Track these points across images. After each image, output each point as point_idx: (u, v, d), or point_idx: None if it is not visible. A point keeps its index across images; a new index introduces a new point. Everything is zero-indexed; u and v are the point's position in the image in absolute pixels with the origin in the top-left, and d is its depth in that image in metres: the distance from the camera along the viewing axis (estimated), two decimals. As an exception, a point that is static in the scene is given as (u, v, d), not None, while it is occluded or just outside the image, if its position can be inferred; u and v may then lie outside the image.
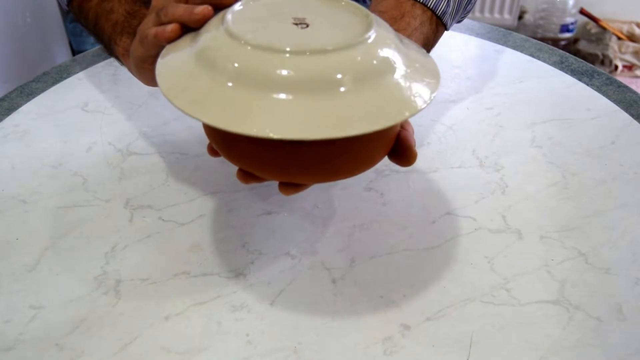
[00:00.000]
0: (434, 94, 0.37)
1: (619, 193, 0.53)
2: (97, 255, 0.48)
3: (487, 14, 2.06)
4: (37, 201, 0.53)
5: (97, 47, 0.79)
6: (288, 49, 0.34)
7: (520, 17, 2.11)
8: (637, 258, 0.47)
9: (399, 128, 0.41)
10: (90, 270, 0.47)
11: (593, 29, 2.09)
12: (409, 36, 0.50)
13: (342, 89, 0.34)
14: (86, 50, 0.91)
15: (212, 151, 0.44)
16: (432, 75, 0.39)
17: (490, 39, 0.79)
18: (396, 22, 0.51)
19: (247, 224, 0.50)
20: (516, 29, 2.08)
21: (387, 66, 0.36)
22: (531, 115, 0.64)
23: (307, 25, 0.39)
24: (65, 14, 1.85)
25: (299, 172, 0.39)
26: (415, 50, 0.42)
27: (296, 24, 0.38)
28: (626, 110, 0.64)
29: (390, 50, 0.37)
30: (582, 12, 2.07)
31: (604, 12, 2.07)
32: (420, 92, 0.36)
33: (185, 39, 0.40)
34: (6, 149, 0.60)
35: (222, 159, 0.58)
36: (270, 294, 0.44)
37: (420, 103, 0.36)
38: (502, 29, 0.81)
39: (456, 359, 0.40)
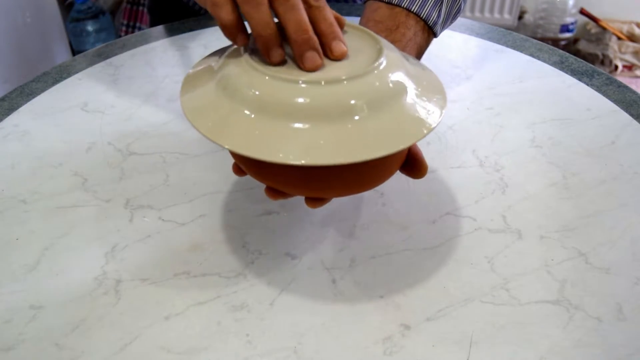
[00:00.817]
0: (444, 110, 0.39)
1: (619, 193, 0.53)
2: (97, 255, 0.48)
3: (487, 14, 2.06)
4: (37, 201, 0.53)
5: (97, 47, 0.79)
6: (305, 79, 0.36)
7: (520, 17, 2.11)
8: (637, 258, 0.47)
9: None
10: (90, 270, 0.47)
11: (593, 29, 2.09)
12: (404, 46, 0.52)
13: (362, 114, 0.36)
14: (86, 50, 0.91)
15: (238, 171, 0.45)
16: (439, 92, 0.41)
17: (490, 39, 0.79)
18: (392, 33, 0.52)
19: (247, 224, 0.50)
20: (516, 29, 2.08)
21: (400, 89, 0.39)
22: (531, 115, 0.64)
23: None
24: (65, 14, 1.85)
25: (325, 189, 0.41)
26: (418, 66, 0.44)
27: None
28: (626, 110, 0.64)
29: (401, 73, 0.39)
30: (582, 12, 2.07)
31: (604, 12, 2.07)
32: (432, 109, 0.39)
33: (208, 67, 0.42)
34: (6, 149, 0.60)
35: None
36: (270, 294, 0.44)
37: (434, 119, 0.38)
38: (502, 29, 0.81)
39: (456, 359, 0.40)
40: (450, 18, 0.58)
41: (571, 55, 0.74)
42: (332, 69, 0.39)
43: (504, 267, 0.46)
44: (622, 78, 2.00)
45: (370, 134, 0.36)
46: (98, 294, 0.45)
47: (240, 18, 0.40)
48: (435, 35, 0.56)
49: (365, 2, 0.58)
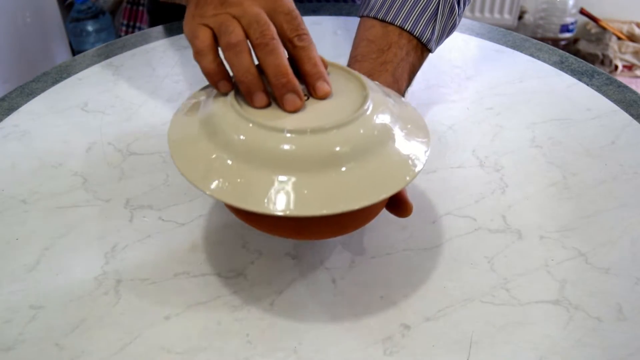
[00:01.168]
0: (427, 153, 0.39)
1: (619, 193, 0.53)
2: (97, 255, 0.48)
3: (487, 14, 2.06)
4: (37, 201, 0.53)
5: (97, 47, 0.80)
6: (290, 129, 0.36)
7: (520, 17, 2.11)
8: (637, 258, 0.47)
9: None
10: (90, 270, 0.47)
11: (593, 29, 2.09)
12: (396, 67, 0.52)
13: (346, 164, 0.36)
14: (86, 50, 0.91)
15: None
16: (424, 134, 0.41)
17: (490, 39, 0.79)
18: (384, 53, 0.53)
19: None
20: (516, 29, 2.08)
21: (386, 135, 0.38)
22: (531, 115, 0.64)
23: (307, 97, 0.41)
24: (65, 14, 1.85)
25: (310, 235, 0.42)
26: (401, 106, 0.43)
27: None
28: (626, 110, 0.64)
29: (387, 117, 0.39)
30: (582, 12, 2.07)
31: (604, 12, 2.07)
32: (416, 154, 0.39)
33: (195, 107, 0.42)
34: (6, 149, 0.60)
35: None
36: (270, 294, 0.44)
37: (418, 165, 0.38)
38: (502, 29, 0.81)
39: (456, 359, 0.40)
40: (446, 33, 0.58)
41: (571, 55, 0.74)
42: (317, 114, 0.39)
43: (504, 267, 0.46)
44: (622, 78, 2.00)
45: (353, 183, 0.36)
46: (98, 294, 0.45)
47: (222, 65, 0.41)
48: (430, 51, 0.56)
49: (360, 17, 0.58)
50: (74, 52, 1.88)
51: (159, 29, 0.84)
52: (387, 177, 0.37)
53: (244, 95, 0.40)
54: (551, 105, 0.65)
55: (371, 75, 0.51)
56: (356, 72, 0.43)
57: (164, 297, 0.44)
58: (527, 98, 0.67)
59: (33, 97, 0.68)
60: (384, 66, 0.52)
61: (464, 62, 0.74)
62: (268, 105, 0.40)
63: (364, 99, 0.39)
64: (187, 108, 0.43)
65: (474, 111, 0.65)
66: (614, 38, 2.04)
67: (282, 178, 0.36)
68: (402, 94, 0.54)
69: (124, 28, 1.92)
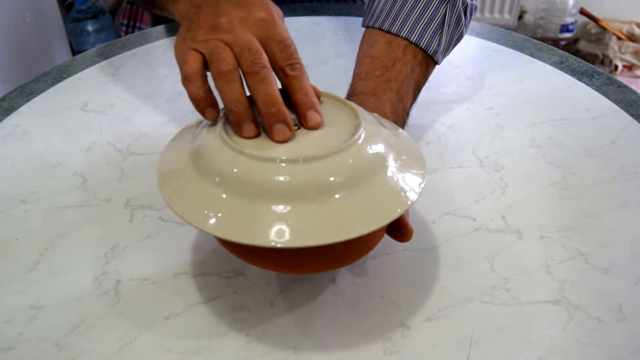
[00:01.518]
0: (422, 185, 0.38)
1: (619, 193, 0.53)
2: (97, 255, 0.48)
3: (487, 14, 2.06)
4: (37, 201, 0.53)
5: (97, 47, 0.80)
6: (283, 158, 0.36)
7: (520, 17, 2.11)
8: (637, 258, 0.47)
9: None
10: (90, 270, 0.47)
11: (593, 29, 2.09)
12: (400, 84, 0.51)
13: (337, 194, 0.35)
14: (86, 50, 0.91)
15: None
16: (419, 165, 0.40)
17: (490, 39, 0.79)
18: (388, 71, 0.52)
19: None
20: (516, 29, 2.08)
21: (378, 165, 0.38)
22: (531, 115, 0.64)
23: (298, 127, 0.40)
24: (65, 14, 1.86)
25: (302, 268, 0.41)
26: (399, 137, 0.42)
27: None
28: (626, 110, 0.64)
29: (380, 146, 0.38)
30: (582, 12, 2.07)
31: (604, 12, 2.07)
32: (410, 186, 0.38)
33: (185, 140, 0.41)
34: (6, 149, 0.60)
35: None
36: (270, 294, 0.44)
37: (411, 197, 0.37)
38: (502, 29, 0.81)
39: (456, 359, 0.40)
40: (452, 45, 0.57)
41: (571, 55, 0.74)
42: (307, 144, 0.38)
43: (504, 267, 0.46)
44: (622, 78, 2.00)
45: (345, 214, 0.35)
46: (98, 294, 0.45)
47: (210, 92, 0.41)
48: (437, 63, 0.55)
49: (364, 28, 0.57)
50: (74, 52, 1.88)
51: (159, 29, 0.84)
52: (380, 207, 0.36)
53: (233, 125, 0.39)
54: (551, 105, 0.65)
55: (375, 94, 0.50)
56: (350, 102, 0.42)
57: (164, 297, 0.44)
58: (527, 98, 0.67)
59: (33, 97, 0.68)
60: (388, 84, 0.51)
61: (464, 62, 0.74)
62: (257, 135, 0.39)
63: (356, 128, 0.39)
64: (177, 139, 0.43)
65: (474, 111, 0.65)
66: (614, 38, 2.04)
67: (273, 207, 0.35)
68: (407, 111, 0.53)
69: (124, 28, 1.92)
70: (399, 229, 0.42)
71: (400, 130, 0.45)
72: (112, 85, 0.71)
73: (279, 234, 0.34)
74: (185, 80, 0.41)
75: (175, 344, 0.41)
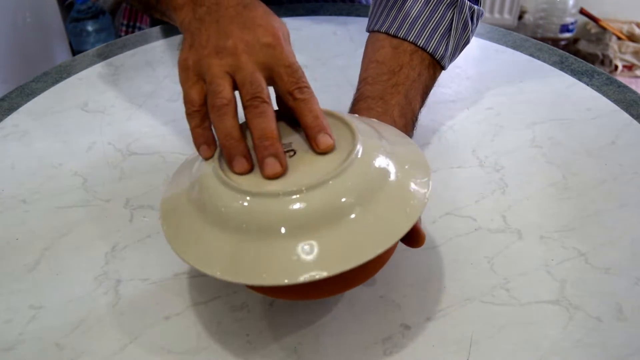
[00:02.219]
0: (428, 193, 0.38)
1: (619, 193, 0.53)
2: (97, 255, 0.48)
3: (487, 14, 2.06)
4: (37, 201, 0.53)
5: (97, 47, 0.80)
6: (284, 191, 0.35)
7: (520, 17, 2.11)
8: (637, 258, 0.47)
9: None
10: (90, 270, 0.47)
11: (593, 29, 2.09)
12: (408, 88, 0.51)
13: (344, 218, 0.35)
14: (86, 50, 0.91)
15: None
16: (422, 172, 0.39)
17: (490, 39, 0.79)
18: (395, 75, 0.51)
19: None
20: (516, 29, 2.08)
21: (382, 180, 0.37)
22: (531, 115, 0.64)
23: (295, 152, 0.39)
24: (65, 14, 1.85)
25: (317, 294, 0.40)
26: (399, 143, 0.41)
27: (285, 152, 0.38)
28: (626, 110, 0.64)
29: (381, 160, 0.38)
30: (582, 12, 2.07)
31: (604, 12, 2.07)
32: (416, 195, 0.37)
33: (182, 181, 0.41)
34: (6, 149, 0.60)
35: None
36: (270, 294, 0.44)
37: (419, 206, 0.37)
38: (502, 29, 0.81)
39: (456, 359, 0.40)
40: (459, 50, 0.57)
41: (571, 55, 0.74)
42: (303, 173, 0.37)
43: (504, 267, 0.46)
44: (622, 78, 2.00)
45: (354, 239, 0.34)
46: (98, 294, 0.45)
47: (208, 129, 0.40)
48: (443, 68, 0.55)
49: (369, 32, 0.56)
50: (74, 52, 1.88)
51: (159, 29, 0.84)
52: (390, 224, 0.35)
53: (225, 159, 0.39)
54: (551, 105, 0.65)
55: (383, 98, 0.50)
56: (347, 118, 0.41)
57: (164, 297, 0.44)
58: (527, 98, 0.67)
59: (33, 97, 0.68)
60: (395, 88, 0.51)
61: (464, 62, 0.74)
62: (249, 170, 0.38)
63: (353, 143, 0.38)
64: (179, 175, 0.42)
65: (474, 111, 0.65)
66: (614, 38, 2.04)
67: (278, 243, 0.34)
68: (416, 114, 0.53)
69: (124, 28, 1.92)
70: (411, 235, 0.41)
71: (402, 135, 0.44)
72: (112, 85, 0.71)
73: (289, 270, 0.33)
74: (186, 114, 0.41)
75: (175, 344, 0.41)
